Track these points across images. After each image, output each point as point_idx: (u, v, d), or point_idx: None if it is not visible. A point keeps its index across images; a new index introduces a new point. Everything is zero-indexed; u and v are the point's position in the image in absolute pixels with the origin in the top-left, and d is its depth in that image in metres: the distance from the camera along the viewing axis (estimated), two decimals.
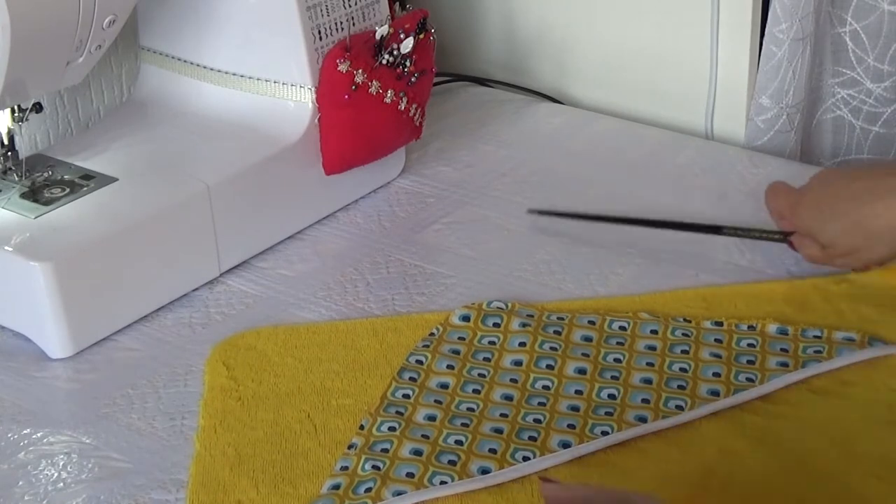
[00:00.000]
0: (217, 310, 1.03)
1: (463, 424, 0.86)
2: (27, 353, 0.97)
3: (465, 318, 0.98)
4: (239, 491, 0.82)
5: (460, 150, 1.28)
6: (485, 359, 0.93)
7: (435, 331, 0.97)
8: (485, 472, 0.82)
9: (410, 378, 0.91)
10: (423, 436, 0.85)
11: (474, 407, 0.88)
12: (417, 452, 0.84)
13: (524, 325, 0.96)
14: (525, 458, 0.83)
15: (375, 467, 0.82)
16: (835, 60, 1.26)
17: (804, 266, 1.04)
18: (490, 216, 1.15)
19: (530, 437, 0.85)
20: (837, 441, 0.84)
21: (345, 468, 0.83)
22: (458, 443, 0.84)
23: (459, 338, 0.96)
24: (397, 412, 0.88)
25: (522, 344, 0.94)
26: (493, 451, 0.84)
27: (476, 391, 0.90)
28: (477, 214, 1.16)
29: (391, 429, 0.86)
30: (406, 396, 0.89)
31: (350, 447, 0.85)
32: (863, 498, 0.79)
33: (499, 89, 1.43)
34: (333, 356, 0.96)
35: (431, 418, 0.87)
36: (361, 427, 0.87)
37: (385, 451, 0.84)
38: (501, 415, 0.87)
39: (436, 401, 0.89)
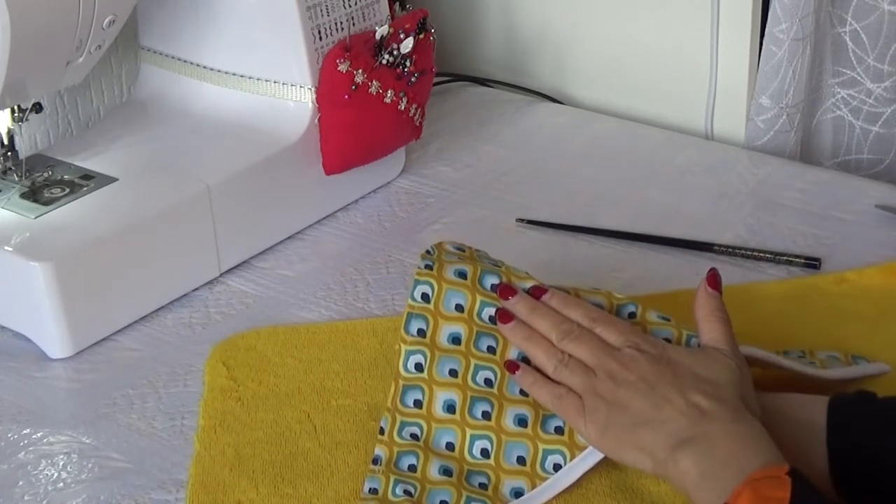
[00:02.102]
0: (217, 310, 1.03)
1: (484, 413, 0.83)
2: (27, 353, 0.97)
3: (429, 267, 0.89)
4: (239, 491, 0.82)
5: (460, 150, 1.28)
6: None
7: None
8: (518, 494, 0.80)
9: (419, 331, 0.86)
10: (447, 444, 0.83)
11: (492, 378, 0.84)
12: (447, 472, 0.81)
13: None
14: (556, 467, 0.81)
15: (407, 493, 0.80)
16: (835, 60, 1.26)
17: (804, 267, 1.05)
18: (490, 216, 1.15)
19: (556, 429, 0.82)
20: None
21: (374, 490, 0.81)
22: (484, 453, 0.82)
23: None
24: (416, 402, 0.84)
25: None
26: (521, 459, 0.81)
27: (491, 348, 0.85)
28: (477, 214, 1.16)
29: (413, 436, 0.84)
30: (419, 367, 0.85)
31: (375, 461, 0.83)
32: None
33: (499, 89, 1.43)
34: (333, 356, 0.96)
35: (451, 408, 0.83)
36: (381, 431, 0.85)
37: (412, 468, 0.82)
38: (522, 392, 0.83)
39: (451, 371, 0.84)
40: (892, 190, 1.17)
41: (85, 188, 1.03)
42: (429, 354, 0.85)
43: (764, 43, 1.23)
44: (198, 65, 1.14)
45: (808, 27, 1.20)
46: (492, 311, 0.86)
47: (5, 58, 0.91)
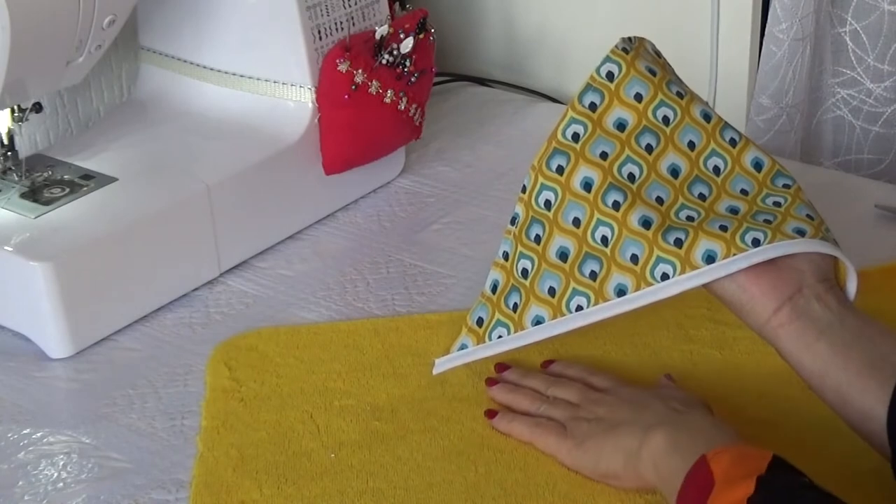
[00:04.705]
0: (217, 310, 1.03)
1: (615, 203, 0.82)
2: (27, 353, 0.97)
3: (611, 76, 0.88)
4: (242, 492, 0.82)
5: (460, 150, 1.28)
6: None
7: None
8: (621, 292, 0.81)
9: (591, 104, 0.86)
10: (574, 220, 0.83)
11: (636, 174, 0.84)
12: (563, 255, 0.83)
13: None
14: (664, 276, 0.80)
15: (525, 271, 0.85)
16: (835, 60, 1.26)
17: None
18: (490, 216, 1.15)
19: (676, 241, 0.80)
20: None
21: (506, 255, 0.87)
22: (604, 240, 0.82)
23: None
24: (559, 168, 0.85)
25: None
26: (634, 258, 0.80)
27: (649, 146, 0.85)
28: (477, 214, 1.16)
29: (547, 203, 0.85)
30: (575, 137, 0.85)
31: (512, 221, 0.87)
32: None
33: (499, 89, 1.43)
34: (335, 357, 0.96)
35: (588, 186, 0.83)
36: (524, 189, 0.87)
37: (538, 238, 0.84)
38: (658, 199, 0.83)
39: (602, 153, 0.84)
40: (892, 190, 1.17)
41: (85, 188, 1.03)
42: (589, 128, 0.85)
43: (764, 43, 1.23)
44: (198, 65, 1.14)
45: (808, 27, 1.20)
46: (667, 111, 0.86)
47: (5, 58, 0.91)
